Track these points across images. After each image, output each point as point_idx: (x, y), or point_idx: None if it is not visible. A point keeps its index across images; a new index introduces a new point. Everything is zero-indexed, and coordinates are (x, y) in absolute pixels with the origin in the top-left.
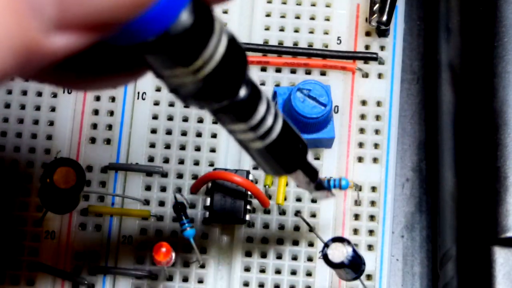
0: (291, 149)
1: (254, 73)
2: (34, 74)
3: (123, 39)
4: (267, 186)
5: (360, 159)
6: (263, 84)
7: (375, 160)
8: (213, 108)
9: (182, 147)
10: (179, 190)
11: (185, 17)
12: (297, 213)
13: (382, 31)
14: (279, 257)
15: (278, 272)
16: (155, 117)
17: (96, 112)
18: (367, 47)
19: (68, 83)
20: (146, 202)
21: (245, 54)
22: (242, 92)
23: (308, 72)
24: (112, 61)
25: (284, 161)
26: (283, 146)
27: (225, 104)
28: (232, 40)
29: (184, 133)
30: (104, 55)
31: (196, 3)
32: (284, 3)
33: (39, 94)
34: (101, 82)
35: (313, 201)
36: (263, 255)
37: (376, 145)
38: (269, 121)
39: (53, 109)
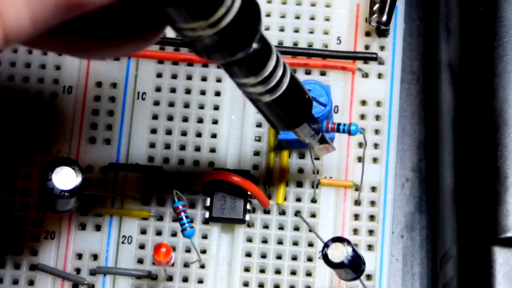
0: (298, 102)
1: None
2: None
3: None
4: (267, 186)
5: (360, 159)
6: None
7: (375, 160)
8: (227, 61)
9: (182, 147)
10: (179, 190)
11: None
12: (297, 213)
13: (382, 31)
14: (279, 257)
15: (278, 272)
16: (155, 117)
17: (96, 112)
18: (367, 47)
19: (79, 49)
20: (146, 202)
21: (259, 7)
22: (254, 45)
23: (308, 72)
24: (128, 22)
25: (292, 114)
26: (290, 99)
27: (239, 57)
28: None
29: (184, 133)
30: (122, 13)
31: None
32: (284, 3)
33: (39, 94)
34: (111, 47)
35: (313, 201)
36: (263, 255)
37: (376, 145)
38: (278, 74)
39: (53, 109)
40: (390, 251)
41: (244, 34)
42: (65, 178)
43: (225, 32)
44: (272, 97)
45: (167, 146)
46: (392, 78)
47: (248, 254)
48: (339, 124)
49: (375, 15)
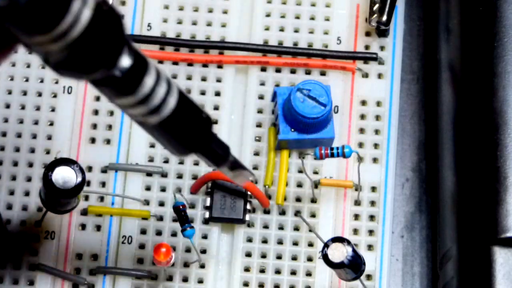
0: (191, 124)
1: (254, 73)
2: None
3: None
4: (267, 186)
5: (360, 159)
6: (263, 84)
7: (375, 160)
8: (89, 80)
9: None
10: (179, 190)
11: None
12: (297, 213)
13: (382, 31)
14: (279, 257)
15: (278, 272)
16: None
17: (96, 112)
18: (367, 47)
19: None
20: (146, 202)
21: (120, 20)
22: (123, 62)
23: (308, 72)
24: None
25: (184, 139)
26: (181, 122)
27: (100, 76)
28: (100, 5)
29: None
30: None
31: None
32: (284, 3)
33: (39, 94)
34: None
35: (313, 201)
36: (263, 255)
37: (376, 145)
38: (160, 93)
39: (53, 109)
40: (390, 251)
41: (100, 50)
42: (65, 178)
43: (75, 47)
44: (158, 118)
45: None
46: (392, 78)
47: (248, 254)
48: (332, 149)
49: (375, 15)
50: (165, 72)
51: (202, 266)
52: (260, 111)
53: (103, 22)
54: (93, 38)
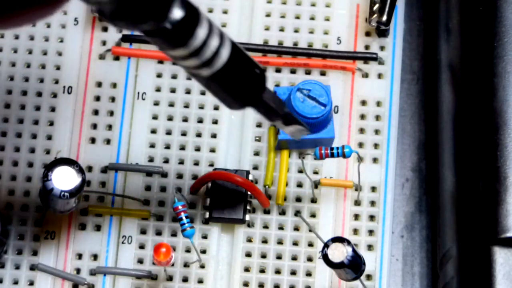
0: (244, 78)
1: None
2: None
3: None
4: (267, 186)
5: (360, 159)
6: None
7: (375, 160)
8: (142, 30)
9: (182, 147)
10: (179, 190)
11: None
12: (297, 213)
13: (382, 31)
14: (279, 257)
15: (278, 272)
16: (155, 117)
17: (96, 112)
18: (367, 47)
19: None
20: (146, 202)
21: None
22: (174, 14)
23: (308, 72)
24: None
25: (237, 92)
26: (233, 75)
27: (151, 27)
28: None
29: (184, 133)
30: None
31: None
32: (284, 3)
33: (39, 94)
34: (16, 18)
35: (313, 201)
36: (263, 255)
37: (376, 145)
38: (213, 45)
39: (53, 109)
40: (390, 251)
41: (150, 1)
42: (65, 178)
43: None
44: (211, 70)
45: (167, 146)
46: (392, 78)
47: (248, 254)
48: (332, 149)
49: (375, 15)
50: (218, 25)
51: (202, 266)
52: None
53: None
54: None
